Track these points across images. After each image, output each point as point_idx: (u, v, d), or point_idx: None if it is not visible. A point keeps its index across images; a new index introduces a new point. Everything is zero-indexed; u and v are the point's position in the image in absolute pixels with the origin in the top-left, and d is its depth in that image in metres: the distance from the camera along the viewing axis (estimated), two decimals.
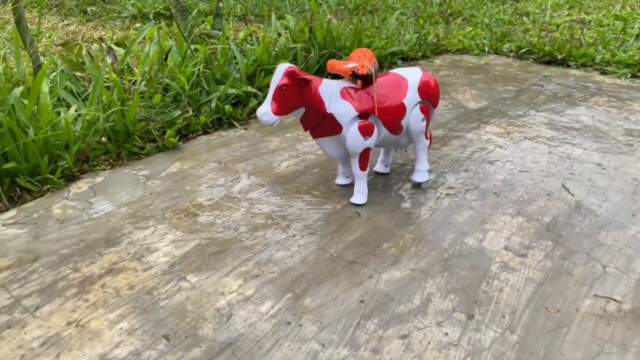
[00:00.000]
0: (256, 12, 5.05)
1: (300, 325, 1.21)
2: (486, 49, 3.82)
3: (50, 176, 1.81)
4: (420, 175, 1.81)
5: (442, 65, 3.45)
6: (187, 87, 2.35)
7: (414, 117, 1.70)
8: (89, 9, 5.35)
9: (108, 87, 2.31)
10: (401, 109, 1.67)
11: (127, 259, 1.44)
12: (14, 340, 1.16)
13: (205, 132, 2.30)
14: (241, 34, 3.36)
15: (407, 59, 3.51)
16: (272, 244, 1.51)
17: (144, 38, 3.23)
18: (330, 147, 1.67)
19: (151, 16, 4.90)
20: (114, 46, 2.80)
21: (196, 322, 1.22)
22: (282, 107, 1.52)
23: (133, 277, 1.37)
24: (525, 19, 4.95)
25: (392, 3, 5.78)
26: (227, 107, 2.37)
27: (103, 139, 2.04)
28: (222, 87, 2.46)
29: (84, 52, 2.60)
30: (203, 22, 3.67)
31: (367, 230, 1.58)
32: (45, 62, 2.38)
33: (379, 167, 1.93)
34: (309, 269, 1.40)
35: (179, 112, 2.25)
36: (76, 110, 2.00)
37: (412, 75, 1.71)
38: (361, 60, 1.64)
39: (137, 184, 1.85)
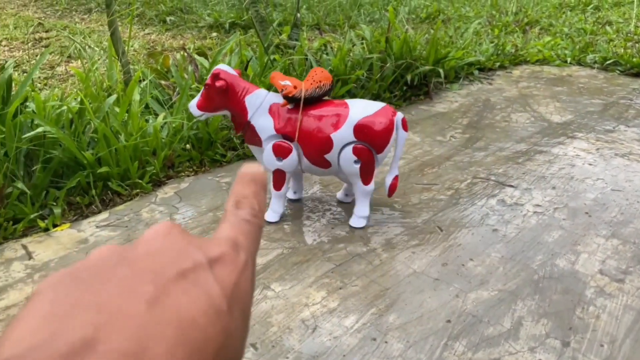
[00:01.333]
0: (328, 21, 5.10)
1: (386, 342, 1.19)
2: (568, 59, 3.66)
3: (139, 181, 1.89)
4: (356, 220, 1.64)
5: (522, 77, 3.34)
6: None
7: (344, 157, 1.53)
8: (168, 18, 5.59)
9: (192, 96, 2.39)
10: (326, 143, 1.52)
11: None
12: None
13: None
14: (315, 44, 3.40)
15: (484, 70, 3.42)
16: (353, 256, 1.50)
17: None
18: (259, 157, 1.64)
19: (227, 26, 5.05)
20: (195, 55, 2.90)
21: (282, 332, 1.23)
22: (205, 104, 1.55)
23: None
24: (608, 28, 4.71)
25: (465, 12, 5.67)
26: None
27: (187, 146, 2.11)
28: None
29: (170, 61, 2.71)
30: (280, 32, 3.75)
31: (450, 246, 1.54)
32: (133, 70, 2.50)
33: (339, 195, 1.81)
34: (391, 284, 1.38)
35: None
36: (163, 118, 2.08)
37: (359, 110, 1.52)
38: (306, 80, 1.56)
39: (219, 191, 1.90)
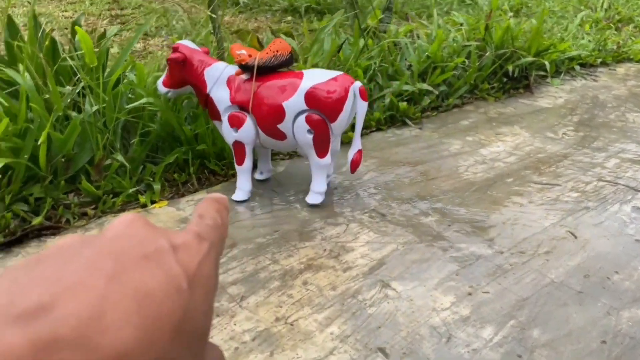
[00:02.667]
0: (416, 7, 4.90)
1: None
2: None
3: None
4: (312, 196, 1.58)
5: (628, 75, 3.07)
6: (364, 81, 2.26)
7: (297, 127, 1.48)
8: (241, 0, 5.54)
9: None
10: (278, 112, 1.48)
11: (324, 255, 1.36)
12: (225, 331, 1.11)
13: (379, 129, 2.19)
14: (401, 30, 3.24)
15: (586, 65, 3.17)
16: (479, 258, 1.35)
17: (311, 31, 3.22)
18: (221, 132, 1.61)
19: (302, 10, 4.94)
20: (283, 36, 2.80)
21: (412, 337, 1.10)
22: (170, 80, 1.57)
23: (334, 277, 1.28)
24: None
25: (551, 6, 5.35)
26: (402, 105, 2.25)
27: None
28: (396, 82, 2.35)
29: (257, 40, 2.62)
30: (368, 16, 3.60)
31: (589, 256, 1.37)
32: (226, 48, 2.42)
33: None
34: (529, 294, 1.23)
35: None
36: None
37: (312, 78, 1.47)
38: (264, 50, 1.51)
39: None
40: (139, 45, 3.44)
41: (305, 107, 1.46)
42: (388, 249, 1.39)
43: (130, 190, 1.60)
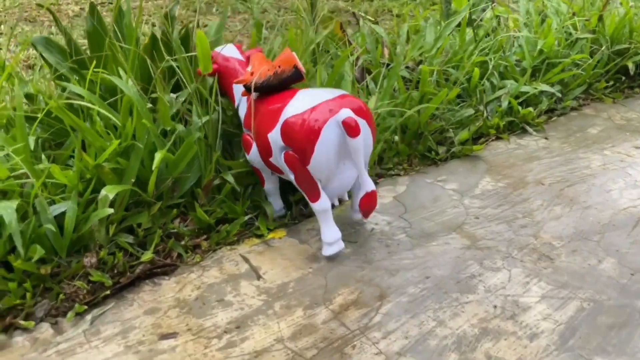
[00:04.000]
0: None
1: None
2: None
3: None
4: (325, 248, 1.26)
5: None
6: (476, 81, 1.99)
7: (281, 163, 1.23)
8: None
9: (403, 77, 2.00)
10: (265, 144, 1.25)
11: (497, 315, 1.12)
12: None
13: (498, 138, 1.93)
14: (487, 15, 2.92)
15: None
16: None
17: (397, 16, 2.94)
18: None
19: None
20: (370, 23, 2.52)
21: None
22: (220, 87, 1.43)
23: (521, 348, 1.05)
24: None
25: None
26: (525, 110, 1.97)
27: (395, 137, 1.75)
28: (509, 82, 2.07)
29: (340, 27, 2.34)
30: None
31: None
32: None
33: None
34: None
35: (470, 110, 1.90)
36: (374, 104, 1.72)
37: (296, 103, 1.20)
38: (267, 66, 1.27)
39: (448, 200, 1.54)
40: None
41: (281, 142, 1.20)
42: (572, 308, 1.15)
43: (246, 218, 1.38)
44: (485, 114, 1.91)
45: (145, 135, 1.29)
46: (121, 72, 1.33)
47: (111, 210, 1.16)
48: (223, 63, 1.40)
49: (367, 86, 1.90)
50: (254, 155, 1.33)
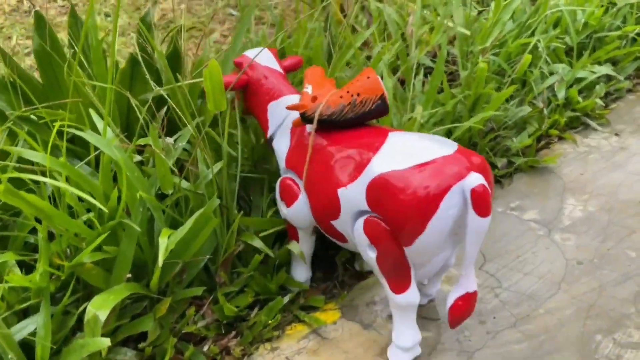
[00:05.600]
0: None
1: None
2: None
3: None
4: (393, 352, 0.92)
5: None
6: (525, 68, 1.63)
7: (357, 234, 0.84)
8: None
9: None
10: (330, 202, 0.88)
11: None
12: None
13: (560, 138, 1.58)
14: None
15: None
16: None
17: None
18: None
19: None
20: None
21: None
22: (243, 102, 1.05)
23: None
24: None
25: None
26: (587, 101, 1.64)
27: None
28: (560, 66, 1.72)
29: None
30: None
31: None
32: None
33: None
34: None
35: (526, 108, 1.54)
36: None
37: (392, 152, 0.82)
38: (341, 89, 0.90)
39: (533, 237, 1.20)
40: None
41: (366, 206, 0.82)
42: None
43: (286, 300, 1.01)
44: (545, 111, 1.57)
45: (140, 208, 0.90)
46: (94, 116, 0.93)
47: (107, 342, 0.78)
48: (256, 74, 1.01)
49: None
50: (298, 210, 0.95)
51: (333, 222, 0.89)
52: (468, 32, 1.59)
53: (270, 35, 1.52)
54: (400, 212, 0.78)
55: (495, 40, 1.63)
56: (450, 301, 0.83)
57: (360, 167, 0.82)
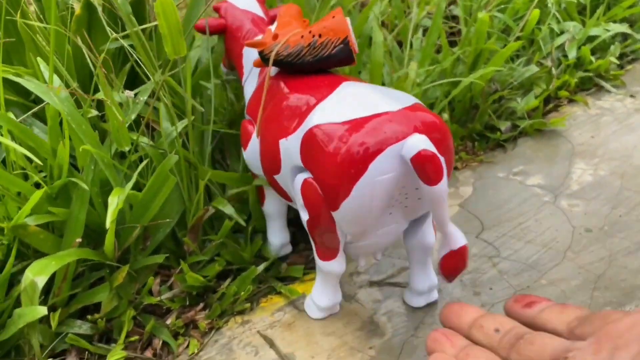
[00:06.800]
0: None
1: None
2: None
3: None
4: (308, 305, 0.87)
5: None
6: (533, 25, 1.51)
7: (295, 191, 0.73)
8: None
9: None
10: (273, 153, 0.77)
11: None
12: None
13: (570, 100, 1.47)
14: None
15: None
16: None
17: None
18: None
19: None
20: None
21: None
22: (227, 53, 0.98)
23: None
24: None
25: None
26: (601, 61, 1.51)
27: (445, 115, 1.29)
28: (572, 24, 1.59)
29: None
30: None
31: None
32: None
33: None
34: None
35: (533, 67, 1.43)
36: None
37: (336, 104, 0.70)
38: (303, 30, 0.78)
39: (538, 203, 1.10)
40: None
41: (299, 160, 0.71)
42: None
43: (261, 268, 0.92)
44: (553, 71, 1.44)
45: (92, 165, 0.81)
46: (41, 64, 0.83)
47: (44, 311, 0.70)
48: (234, 18, 0.92)
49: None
50: (251, 154, 0.85)
51: (276, 177, 0.79)
52: None
53: None
54: (323, 168, 0.67)
55: None
56: (439, 261, 0.74)
57: (302, 117, 0.72)
